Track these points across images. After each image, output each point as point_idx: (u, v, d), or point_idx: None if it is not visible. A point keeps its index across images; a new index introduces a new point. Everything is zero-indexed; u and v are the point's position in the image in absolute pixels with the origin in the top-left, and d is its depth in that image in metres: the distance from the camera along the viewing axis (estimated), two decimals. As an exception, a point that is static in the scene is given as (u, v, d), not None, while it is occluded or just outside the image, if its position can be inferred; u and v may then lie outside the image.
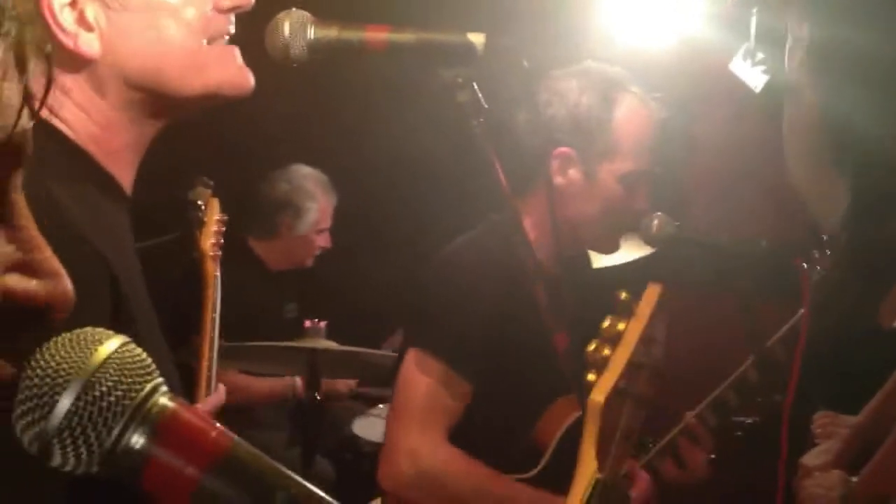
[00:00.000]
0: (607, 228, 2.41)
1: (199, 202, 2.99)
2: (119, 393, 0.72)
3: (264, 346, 3.75)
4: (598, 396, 1.48)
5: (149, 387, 0.74)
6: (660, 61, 3.75)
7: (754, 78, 3.50)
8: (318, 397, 3.76)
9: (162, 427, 0.73)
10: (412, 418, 2.23)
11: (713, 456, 2.47)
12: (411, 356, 2.26)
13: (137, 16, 1.21)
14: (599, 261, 3.15)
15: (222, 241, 3.05)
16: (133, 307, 1.13)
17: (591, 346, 1.51)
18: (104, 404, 0.72)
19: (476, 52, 1.63)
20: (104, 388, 0.72)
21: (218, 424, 0.75)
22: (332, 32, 1.60)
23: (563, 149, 2.32)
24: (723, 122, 4.08)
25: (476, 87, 1.66)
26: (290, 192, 4.30)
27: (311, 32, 1.58)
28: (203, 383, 2.81)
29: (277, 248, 4.35)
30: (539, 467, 2.26)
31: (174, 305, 3.32)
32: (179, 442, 0.73)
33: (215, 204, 3.06)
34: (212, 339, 2.85)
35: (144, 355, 0.75)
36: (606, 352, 1.50)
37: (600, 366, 1.49)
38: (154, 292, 1.24)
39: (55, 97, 1.18)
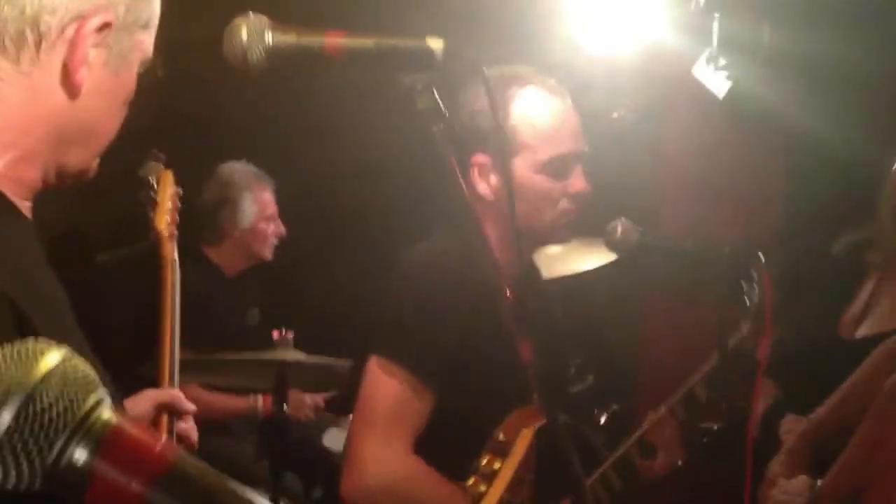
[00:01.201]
0: (553, 219, 2.36)
1: (150, 178, 2.75)
2: (61, 407, 0.71)
3: (230, 360, 3.71)
4: None
5: (92, 400, 0.72)
6: (624, 67, 3.76)
7: (717, 83, 3.52)
8: (287, 410, 3.72)
9: (105, 442, 0.71)
10: (376, 427, 2.20)
11: (680, 462, 2.47)
12: (374, 364, 2.23)
13: (114, 88, 1.26)
14: (565, 268, 3.16)
15: (178, 218, 2.81)
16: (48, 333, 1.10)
17: (470, 481, 1.62)
18: (46, 419, 0.70)
19: (435, 58, 1.62)
20: (46, 403, 0.70)
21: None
22: (290, 38, 1.58)
23: (478, 157, 2.29)
24: (687, 128, 4.11)
25: (436, 93, 1.65)
26: (221, 191, 4.25)
27: (270, 38, 1.56)
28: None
29: (230, 248, 4.30)
30: None
31: (140, 317, 3.27)
32: (123, 457, 0.71)
33: (169, 177, 2.81)
34: (172, 340, 2.65)
35: (88, 368, 0.73)
36: (483, 488, 1.59)
37: (476, 501, 1.60)
38: (121, 304, 1.23)
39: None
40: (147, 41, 1.30)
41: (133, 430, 0.73)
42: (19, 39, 1.16)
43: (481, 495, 1.62)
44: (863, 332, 2.44)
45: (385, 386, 2.20)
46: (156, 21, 1.31)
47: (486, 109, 2.25)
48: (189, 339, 3.47)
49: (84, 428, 0.71)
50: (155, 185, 2.75)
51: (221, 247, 4.31)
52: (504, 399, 2.26)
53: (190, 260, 4.17)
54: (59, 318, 1.19)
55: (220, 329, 4.08)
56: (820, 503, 2.27)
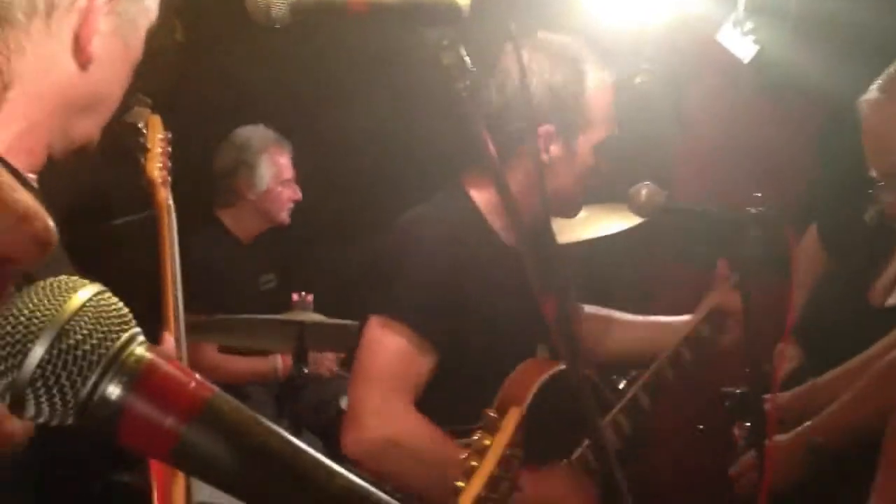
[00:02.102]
0: (579, 195, 2.47)
1: (139, 124, 2.70)
2: (94, 342, 0.70)
3: (250, 320, 3.73)
4: (466, 502, 1.66)
5: (125, 336, 0.72)
6: (648, 32, 3.72)
7: (743, 48, 3.48)
8: (306, 371, 3.74)
9: (139, 377, 0.71)
10: (378, 383, 2.20)
11: (700, 427, 2.47)
12: (376, 322, 2.24)
13: (123, 55, 1.26)
14: (588, 231, 3.14)
15: (170, 164, 2.75)
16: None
17: (463, 455, 1.69)
18: (78, 353, 0.70)
19: (461, 13, 1.61)
20: (78, 337, 0.70)
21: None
22: (314, -7, 1.57)
23: (547, 127, 2.34)
24: (712, 93, 4.07)
25: (462, 49, 1.63)
26: (238, 154, 4.25)
27: (293, -7, 1.55)
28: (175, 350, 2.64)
29: (246, 212, 4.31)
30: None
31: (145, 283, 3.27)
32: (157, 392, 0.71)
33: (157, 122, 2.77)
34: (174, 284, 2.62)
35: (121, 304, 0.73)
36: (474, 462, 1.66)
37: (469, 474, 1.66)
38: (126, 270, 1.23)
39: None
40: (153, 7, 1.30)
41: (167, 367, 0.72)
42: (31, 9, 1.16)
43: (473, 469, 1.67)
44: (893, 300, 2.42)
45: (386, 342, 2.21)
46: None
47: (561, 82, 2.30)
48: (204, 304, 3.48)
49: (118, 363, 0.71)
50: (144, 131, 2.72)
51: (237, 210, 4.31)
52: (508, 354, 2.28)
53: (204, 225, 4.19)
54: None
55: (234, 294, 4.09)
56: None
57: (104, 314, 0.72)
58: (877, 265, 2.47)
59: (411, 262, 2.28)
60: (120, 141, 2.67)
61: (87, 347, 0.70)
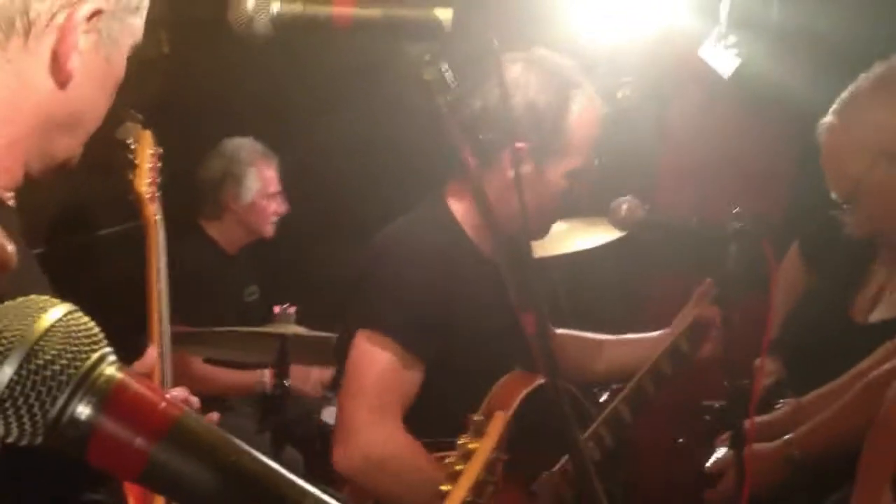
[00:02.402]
0: (544, 218, 2.43)
1: (129, 140, 2.71)
2: (63, 362, 0.70)
3: (232, 332, 3.71)
4: None
5: (95, 356, 0.71)
6: (631, 46, 3.74)
7: (725, 62, 3.50)
8: (287, 385, 3.73)
9: (108, 397, 0.70)
10: (366, 399, 2.20)
11: (681, 440, 2.48)
12: (362, 337, 2.24)
13: (105, 73, 1.24)
14: (568, 245, 3.15)
15: (159, 179, 2.77)
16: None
17: (449, 459, 1.69)
18: (48, 373, 0.69)
19: (443, 29, 1.61)
20: (48, 357, 0.70)
21: (167, 395, 0.72)
22: (296, 7, 1.57)
23: (520, 144, 2.31)
24: (693, 107, 4.09)
25: (443, 64, 1.64)
26: (225, 165, 4.25)
27: (275, 7, 1.55)
28: (157, 363, 2.64)
29: (231, 224, 4.31)
30: None
31: (129, 293, 3.26)
32: (127, 413, 0.70)
33: (147, 138, 2.76)
34: (160, 300, 2.63)
35: (92, 324, 0.73)
36: (459, 466, 1.67)
37: (454, 478, 1.67)
38: (114, 281, 1.22)
39: None
40: (138, 25, 1.28)
41: (137, 387, 0.72)
42: (8, 27, 1.15)
43: (458, 473, 1.67)
44: (876, 316, 2.43)
45: (373, 357, 2.21)
46: (146, 4, 1.30)
47: (544, 103, 2.29)
48: (187, 315, 3.47)
49: (87, 383, 0.71)
50: (133, 146, 2.72)
51: (221, 222, 4.31)
52: (489, 367, 2.28)
53: (188, 235, 4.17)
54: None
55: (218, 305, 4.08)
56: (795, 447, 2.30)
57: (74, 334, 0.71)
58: (858, 281, 2.48)
59: (396, 276, 2.27)
60: (108, 156, 2.67)
61: (57, 367, 0.70)
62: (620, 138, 2.49)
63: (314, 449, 4.37)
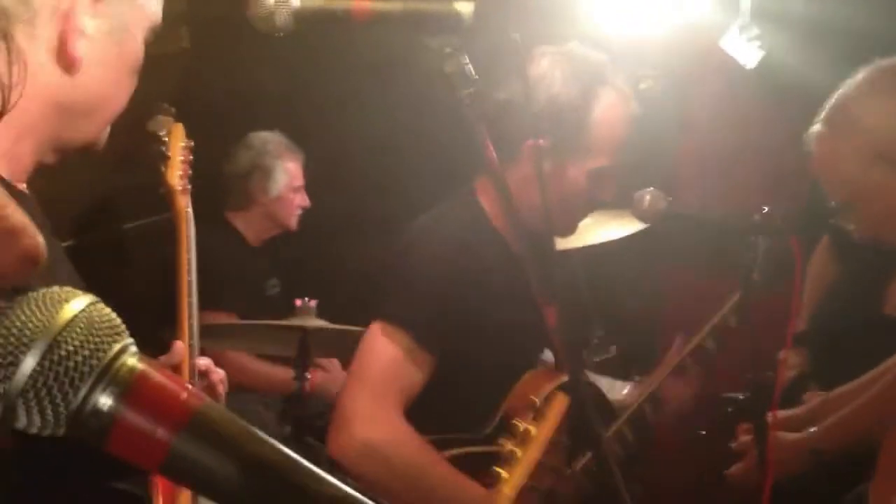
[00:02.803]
0: (566, 215, 2.40)
1: (161, 133, 2.70)
2: (86, 353, 0.70)
3: (254, 325, 3.73)
4: (509, 491, 1.63)
5: (117, 347, 0.72)
6: (653, 38, 3.72)
7: (747, 54, 3.48)
8: (308, 376, 3.74)
9: (130, 388, 0.71)
10: (368, 388, 2.20)
11: (703, 431, 2.47)
12: (376, 327, 2.24)
13: (119, 57, 1.23)
14: (591, 237, 3.14)
15: (190, 171, 2.75)
16: None
17: (504, 444, 1.62)
18: (70, 364, 0.70)
19: (464, 22, 1.61)
20: (70, 348, 0.70)
21: (189, 386, 0.73)
22: (316, 1, 1.58)
23: (541, 140, 2.28)
24: (715, 99, 4.06)
25: (464, 57, 1.64)
26: (254, 158, 4.31)
27: (295, 1, 1.56)
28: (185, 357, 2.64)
29: (257, 216, 4.35)
30: None
31: (163, 284, 3.28)
32: (148, 403, 0.71)
33: (179, 131, 2.77)
34: (189, 293, 2.63)
35: (113, 315, 0.73)
36: (517, 450, 1.60)
37: (510, 462, 1.60)
38: (144, 272, 1.22)
39: None
40: (151, 7, 1.27)
41: (159, 377, 0.73)
42: (13, 16, 1.15)
43: (515, 457, 1.62)
44: None
45: (383, 347, 2.21)
46: None
47: (567, 98, 2.26)
48: (210, 304, 3.48)
49: (109, 374, 0.71)
50: (166, 139, 2.73)
51: (247, 213, 4.36)
52: (512, 364, 2.28)
53: (213, 226, 4.20)
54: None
55: (241, 296, 4.11)
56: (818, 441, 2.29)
57: (96, 325, 0.72)
58: (888, 274, 2.46)
59: (417, 270, 2.27)
60: (135, 148, 2.68)
61: (79, 358, 0.70)
62: (643, 130, 2.47)
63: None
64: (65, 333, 0.71)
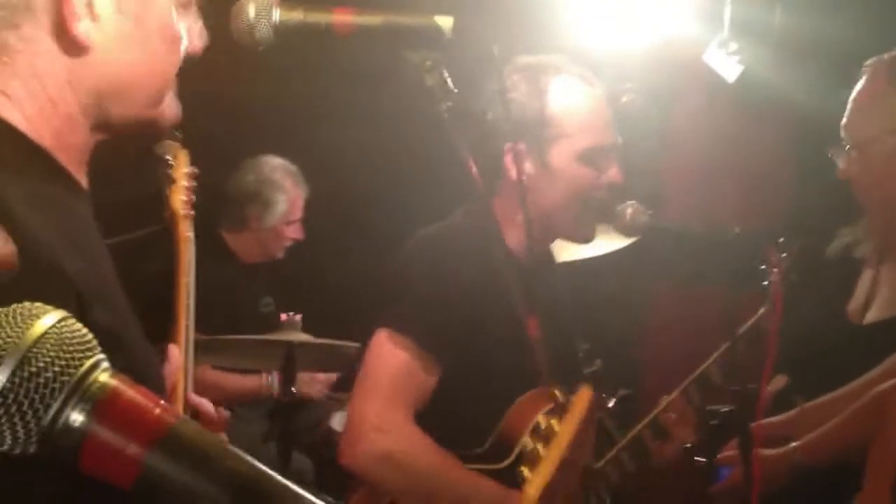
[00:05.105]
0: (581, 212, 2.37)
1: (168, 157, 2.72)
2: (56, 369, 0.70)
3: (239, 340, 3.72)
4: (533, 491, 1.57)
5: (88, 363, 0.71)
6: (633, 52, 3.74)
7: (727, 69, 3.50)
8: (294, 391, 3.73)
9: (102, 404, 0.70)
10: (379, 395, 2.19)
11: (689, 444, 2.47)
12: (382, 335, 2.23)
13: (139, 31, 1.20)
14: (576, 252, 3.14)
15: (194, 198, 2.76)
16: (101, 314, 1.06)
17: (527, 443, 1.57)
18: (41, 380, 0.69)
19: (443, 36, 1.62)
20: (41, 364, 0.70)
21: (162, 402, 0.72)
22: (297, 15, 1.58)
23: (516, 144, 2.29)
24: (696, 113, 4.08)
25: (444, 71, 1.64)
26: (258, 185, 4.28)
27: (277, 15, 1.56)
28: (182, 377, 2.65)
29: (248, 240, 4.35)
30: (509, 460, 2.23)
31: (156, 299, 3.25)
32: (120, 419, 0.70)
33: (184, 156, 2.78)
34: (187, 318, 2.64)
35: (85, 331, 0.72)
36: (541, 448, 1.56)
37: (535, 462, 1.56)
38: (135, 285, 1.20)
39: (25, 81, 1.15)
40: None
41: (131, 393, 0.72)
42: (14, 7, 1.13)
43: (539, 455, 1.57)
44: (871, 317, 2.43)
45: (391, 356, 2.20)
46: None
47: (522, 98, 2.27)
48: (204, 323, 3.47)
49: (80, 390, 0.71)
50: (172, 163, 2.74)
51: (241, 236, 4.35)
52: (510, 381, 2.27)
53: (208, 244, 4.19)
54: (116, 296, 1.17)
55: (235, 315, 4.09)
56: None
57: (67, 341, 0.71)
58: (847, 293, 2.49)
59: (422, 277, 2.27)
60: (148, 170, 2.71)
61: (50, 375, 0.70)
62: (625, 143, 2.48)
63: (323, 456, 4.37)
64: (35, 350, 0.70)
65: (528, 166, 2.31)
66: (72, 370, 0.71)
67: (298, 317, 3.77)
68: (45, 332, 0.71)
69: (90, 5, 1.15)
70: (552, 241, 2.49)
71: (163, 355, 2.02)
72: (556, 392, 1.66)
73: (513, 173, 2.29)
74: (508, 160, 2.29)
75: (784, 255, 2.24)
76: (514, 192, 2.26)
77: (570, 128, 2.33)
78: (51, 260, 1.02)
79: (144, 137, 1.30)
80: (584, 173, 2.35)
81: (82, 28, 1.15)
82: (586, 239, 2.47)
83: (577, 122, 2.34)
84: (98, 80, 1.18)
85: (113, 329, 1.06)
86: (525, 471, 1.58)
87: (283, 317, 3.80)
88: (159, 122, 1.28)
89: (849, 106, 2.39)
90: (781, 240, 2.24)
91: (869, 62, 2.40)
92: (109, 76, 1.19)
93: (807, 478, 2.28)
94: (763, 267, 2.21)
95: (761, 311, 2.34)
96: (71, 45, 1.15)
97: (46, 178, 1.15)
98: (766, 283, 2.22)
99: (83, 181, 1.23)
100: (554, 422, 1.61)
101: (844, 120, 2.39)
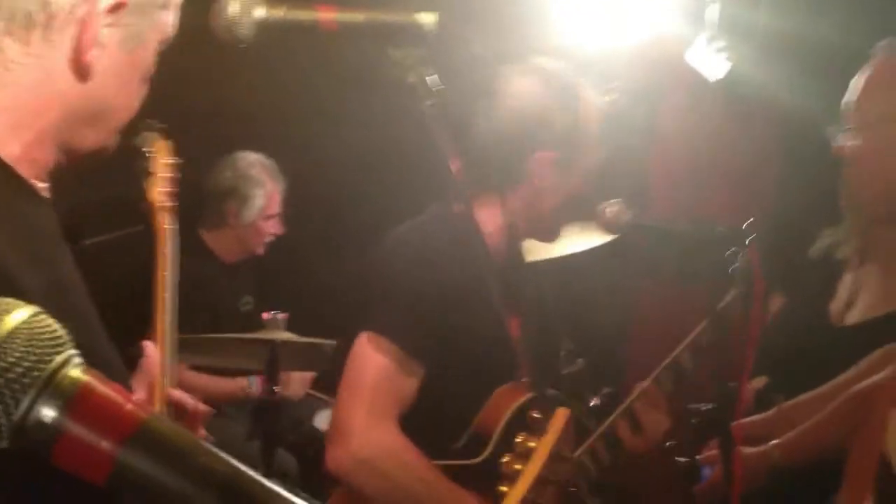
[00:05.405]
0: (557, 221, 2.44)
1: (145, 149, 2.70)
2: (28, 364, 0.69)
3: (222, 339, 3.70)
4: None
5: (60, 358, 0.71)
6: (620, 51, 3.75)
7: (713, 66, 3.51)
8: (277, 391, 3.72)
9: (73, 399, 0.70)
10: (362, 400, 2.19)
11: (669, 443, 2.47)
12: (363, 338, 2.23)
13: (129, 66, 1.24)
14: (556, 250, 3.15)
15: (175, 189, 2.76)
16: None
17: (505, 459, 1.60)
18: (11, 376, 0.69)
19: (426, 33, 1.61)
20: (11, 360, 0.69)
21: (134, 397, 0.72)
22: (279, 12, 1.58)
23: (545, 153, 2.32)
24: (681, 111, 4.09)
25: (428, 68, 1.64)
26: (234, 180, 4.27)
27: (259, 12, 1.56)
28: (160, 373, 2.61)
29: (227, 237, 4.33)
30: (486, 454, 2.24)
31: (136, 298, 3.24)
32: (93, 415, 0.70)
33: (164, 147, 2.76)
34: (168, 313, 2.61)
35: (56, 326, 0.72)
36: (518, 466, 1.60)
37: (512, 478, 1.60)
38: (116, 285, 1.21)
39: (15, 94, 1.17)
40: (166, 20, 1.27)
41: (103, 389, 0.72)
42: (29, 21, 1.15)
43: (517, 473, 1.61)
44: (853, 319, 2.44)
45: (373, 359, 2.20)
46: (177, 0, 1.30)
47: (561, 107, 2.29)
48: (185, 323, 3.46)
49: (52, 385, 0.70)
50: (150, 154, 2.72)
51: (219, 233, 4.33)
52: (491, 377, 2.27)
53: (186, 243, 4.17)
54: (76, 301, 1.18)
55: (215, 314, 4.08)
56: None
57: (38, 336, 0.71)
58: (828, 293, 2.50)
59: (402, 278, 2.26)
60: (124, 163, 2.68)
61: (20, 370, 0.69)
62: (609, 141, 2.49)
63: (307, 455, 4.37)
64: (5, 345, 0.70)
65: (551, 174, 2.34)
66: (43, 365, 0.70)
67: (283, 315, 3.76)
68: (16, 327, 0.71)
69: (99, 34, 1.18)
70: (524, 240, 2.51)
71: (139, 352, 2.01)
72: (534, 413, 1.69)
73: (537, 180, 2.32)
74: (536, 167, 2.32)
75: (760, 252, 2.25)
76: (524, 196, 2.29)
77: (591, 142, 2.38)
78: (3, 275, 1.03)
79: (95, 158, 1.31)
80: (580, 188, 2.40)
81: (93, 56, 1.18)
82: (554, 240, 2.52)
83: (596, 138, 2.39)
84: (86, 105, 1.21)
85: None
86: (504, 487, 1.62)
87: (266, 315, 3.79)
88: (109, 150, 1.31)
89: (858, 86, 2.37)
90: (754, 235, 2.24)
91: (882, 42, 2.39)
92: (96, 103, 1.22)
93: (786, 477, 2.29)
94: (737, 265, 2.21)
95: (729, 295, 2.36)
96: (77, 68, 1.18)
97: (4, 188, 1.16)
98: (732, 267, 2.21)
99: (46, 192, 1.24)
100: (531, 441, 1.65)
101: (851, 100, 2.37)
